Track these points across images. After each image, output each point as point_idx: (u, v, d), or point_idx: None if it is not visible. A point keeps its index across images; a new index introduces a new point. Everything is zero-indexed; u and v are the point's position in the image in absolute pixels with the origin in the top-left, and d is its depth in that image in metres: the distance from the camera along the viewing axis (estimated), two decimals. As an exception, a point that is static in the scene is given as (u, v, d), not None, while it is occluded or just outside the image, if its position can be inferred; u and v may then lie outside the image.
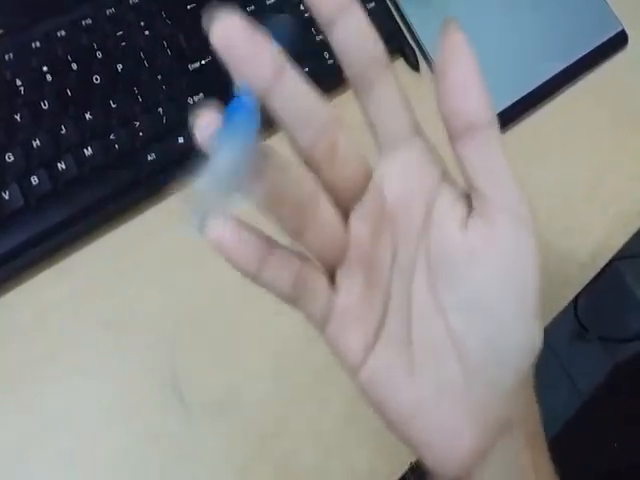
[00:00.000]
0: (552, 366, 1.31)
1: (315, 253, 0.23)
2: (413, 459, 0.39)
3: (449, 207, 0.22)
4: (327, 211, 0.23)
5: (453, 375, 0.23)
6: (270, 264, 0.22)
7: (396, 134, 0.23)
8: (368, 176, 0.23)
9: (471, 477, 0.24)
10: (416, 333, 0.23)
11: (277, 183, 0.21)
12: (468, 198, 0.22)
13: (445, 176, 0.23)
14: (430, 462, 0.24)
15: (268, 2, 0.46)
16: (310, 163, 0.22)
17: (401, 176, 0.23)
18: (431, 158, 0.23)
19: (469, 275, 0.22)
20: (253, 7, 0.46)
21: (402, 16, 0.51)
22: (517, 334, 0.22)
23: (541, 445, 0.26)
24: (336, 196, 0.23)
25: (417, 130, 0.23)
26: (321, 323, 0.24)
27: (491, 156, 0.21)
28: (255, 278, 0.22)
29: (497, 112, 0.49)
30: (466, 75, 0.21)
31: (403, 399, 0.23)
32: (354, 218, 0.23)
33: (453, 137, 0.21)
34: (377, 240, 0.23)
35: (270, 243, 0.22)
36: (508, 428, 0.24)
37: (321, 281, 0.23)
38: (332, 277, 0.24)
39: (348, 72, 0.22)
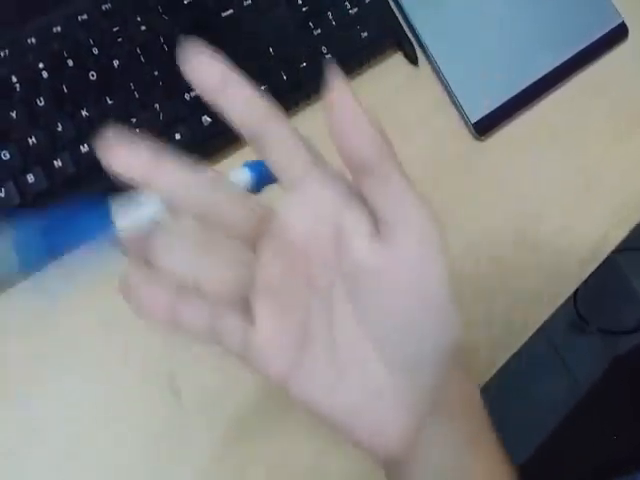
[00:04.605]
0: (551, 358, 1.31)
1: (223, 290, 0.25)
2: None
3: (355, 229, 0.23)
4: (228, 252, 0.25)
5: (379, 374, 0.25)
6: (183, 311, 0.24)
7: (293, 174, 0.24)
8: (263, 216, 0.25)
9: (408, 456, 0.26)
10: (340, 345, 0.25)
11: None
12: (372, 219, 0.23)
13: (349, 198, 0.24)
14: (367, 447, 0.26)
15: (265, -4, 0.46)
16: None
17: (303, 211, 0.24)
18: (332, 187, 0.24)
19: (379, 290, 0.23)
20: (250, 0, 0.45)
21: (400, 9, 0.50)
22: (431, 332, 0.24)
23: (480, 420, 0.28)
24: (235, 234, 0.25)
25: (314, 162, 0.24)
26: (242, 355, 0.25)
27: (390, 186, 0.22)
28: (171, 326, 0.24)
29: (496, 106, 0.50)
30: (349, 123, 0.21)
31: (337, 404, 0.25)
32: (261, 255, 0.25)
33: (352, 174, 0.23)
34: (288, 270, 0.25)
35: (180, 292, 0.24)
36: (438, 408, 0.26)
37: (234, 318, 0.25)
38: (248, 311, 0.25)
39: (241, 131, 0.23)
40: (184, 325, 0.25)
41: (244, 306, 0.25)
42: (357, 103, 0.21)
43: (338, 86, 0.21)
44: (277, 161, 0.24)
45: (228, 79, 0.22)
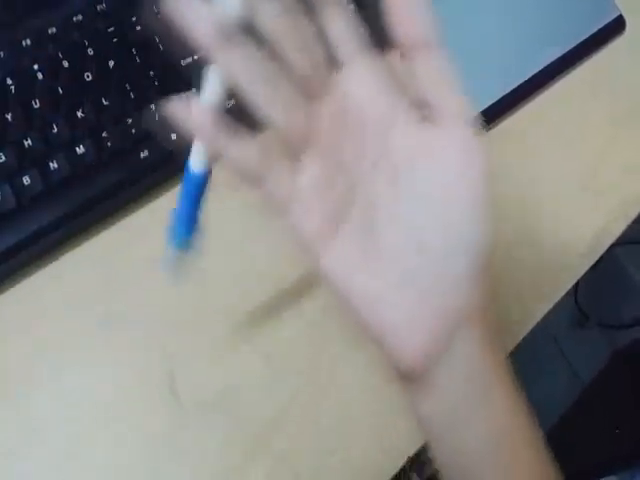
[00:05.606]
0: (552, 352, 1.31)
1: (281, 132, 0.25)
2: (411, 453, 0.39)
3: (404, 111, 0.24)
4: (290, 92, 0.25)
5: (413, 265, 0.24)
6: (236, 142, 0.25)
7: (351, 51, 0.25)
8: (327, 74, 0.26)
9: (429, 369, 0.25)
10: (379, 226, 0.25)
11: (248, 61, 0.24)
12: (420, 105, 0.25)
13: (398, 87, 0.25)
14: (389, 348, 0.25)
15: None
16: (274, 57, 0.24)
17: (361, 85, 0.25)
18: (384, 72, 0.25)
19: (425, 171, 0.24)
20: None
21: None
22: (468, 229, 0.24)
23: (498, 347, 0.27)
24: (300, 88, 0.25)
25: (368, 47, 0.25)
26: (284, 205, 0.26)
27: (435, 71, 0.24)
28: (223, 153, 0.25)
29: (494, 100, 0.49)
30: (408, 6, 0.24)
31: (365, 286, 0.25)
32: (320, 112, 0.25)
33: (402, 55, 0.24)
34: (340, 134, 0.25)
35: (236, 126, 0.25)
36: (467, 323, 0.25)
37: (285, 162, 0.26)
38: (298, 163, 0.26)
39: None
40: (235, 153, 0.25)
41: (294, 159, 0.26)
42: None
43: None
44: (337, 38, 0.25)
45: None
